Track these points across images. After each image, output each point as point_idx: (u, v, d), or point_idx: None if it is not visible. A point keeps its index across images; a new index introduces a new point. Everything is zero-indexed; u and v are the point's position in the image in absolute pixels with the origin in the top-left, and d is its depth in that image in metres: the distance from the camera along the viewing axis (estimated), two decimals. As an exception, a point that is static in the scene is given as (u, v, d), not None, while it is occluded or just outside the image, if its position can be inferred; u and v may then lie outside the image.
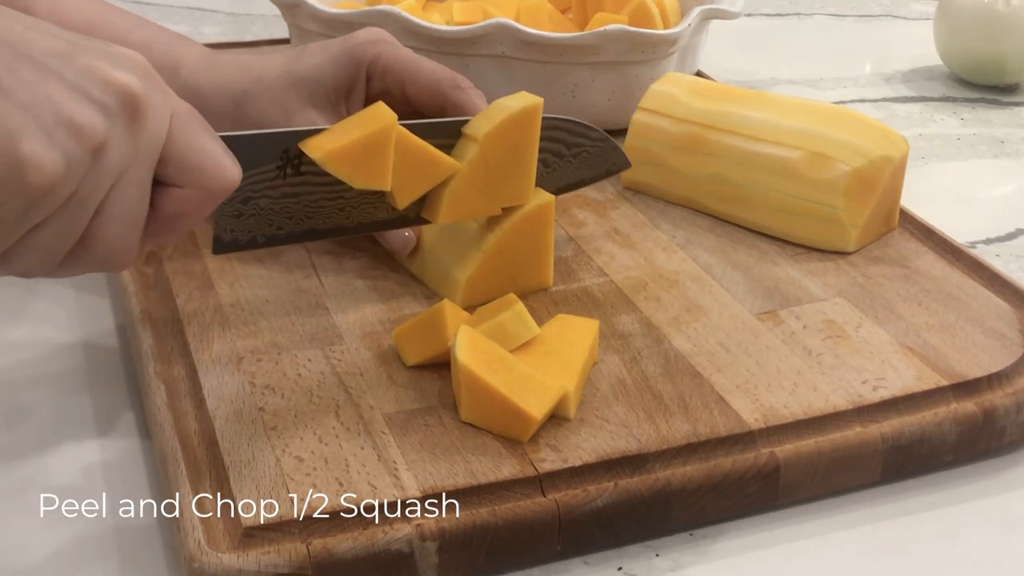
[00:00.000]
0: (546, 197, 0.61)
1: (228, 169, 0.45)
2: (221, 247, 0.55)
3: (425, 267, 0.63)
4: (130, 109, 0.41)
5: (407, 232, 0.63)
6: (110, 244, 0.43)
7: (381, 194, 0.57)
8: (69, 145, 0.40)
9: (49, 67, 0.40)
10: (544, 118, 0.61)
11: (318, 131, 0.54)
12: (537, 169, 0.61)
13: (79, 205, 0.41)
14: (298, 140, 0.54)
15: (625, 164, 0.68)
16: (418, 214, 0.59)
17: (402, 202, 0.57)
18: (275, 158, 0.54)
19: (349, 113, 0.64)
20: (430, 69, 0.63)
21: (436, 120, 0.59)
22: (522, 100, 0.58)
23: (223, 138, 0.46)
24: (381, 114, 0.54)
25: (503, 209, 0.60)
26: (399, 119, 0.56)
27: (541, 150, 0.61)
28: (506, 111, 0.58)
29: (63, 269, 0.43)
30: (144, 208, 0.43)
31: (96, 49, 0.42)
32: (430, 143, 0.57)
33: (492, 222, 0.60)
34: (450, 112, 0.62)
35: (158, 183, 0.44)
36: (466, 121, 0.59)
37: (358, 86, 0.64)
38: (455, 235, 0.62)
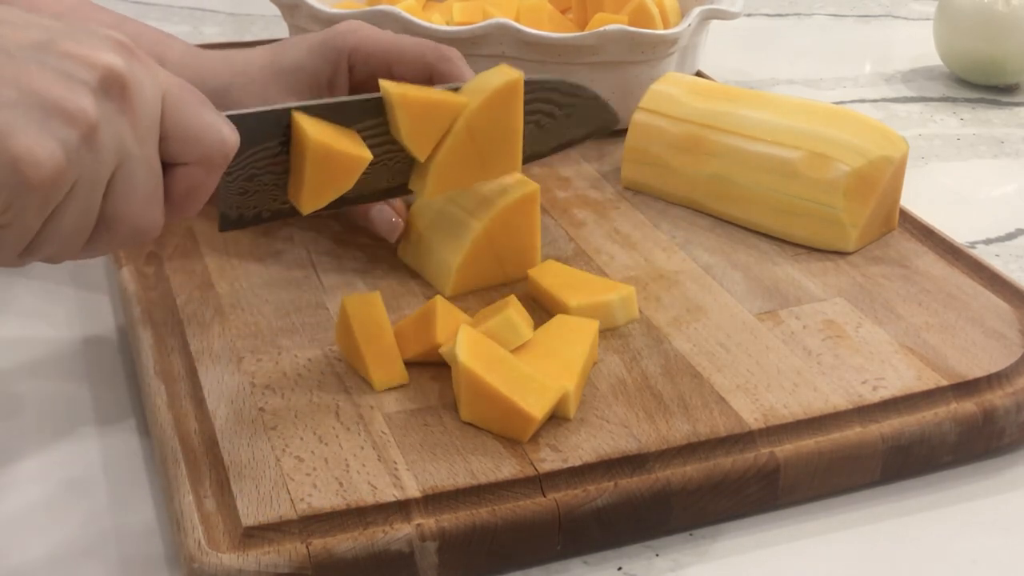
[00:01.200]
0: (531, 186, 0.62)
1: (226, 136, 0.46)
2: (227, 224, 0.55)
3: (419, 257, 0.64)
4: (118, 87, 0.42)
5: (393, 218, 0.64)
6: (131, 223, 0.44)
7: (377, 163, 0.58)
8: (63, 132, 0.40)
9: (29, 59, 0.40)
10: (536, 81, 0.62)
11: (317, 106, 0.55)
12: (531, 130, 0.62)
13: (86, 189, 0.42)
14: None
15: (614, 121, 0.68)
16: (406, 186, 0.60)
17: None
18: (278, 134, 0.54)
19: None
20: (412, 44, 0.63)
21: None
22: (503, 75, 0.59)
23: (226, 116, 0.47)
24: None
25: (493, 201, 0.61)
26: None
27: (534, 112, 0.63)
28: (489, 86, 0.58)
29: (90, 251, 0.44)
30: (158, 186, 0.44)
31: (76, 32, 0.42)
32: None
33: (480, 211, 0.61)
34: (437, 84, 0.62)
35: (166, 164, 0.45)
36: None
37: (339, 76, 0.64)
38: (445, 225, 0.62)
